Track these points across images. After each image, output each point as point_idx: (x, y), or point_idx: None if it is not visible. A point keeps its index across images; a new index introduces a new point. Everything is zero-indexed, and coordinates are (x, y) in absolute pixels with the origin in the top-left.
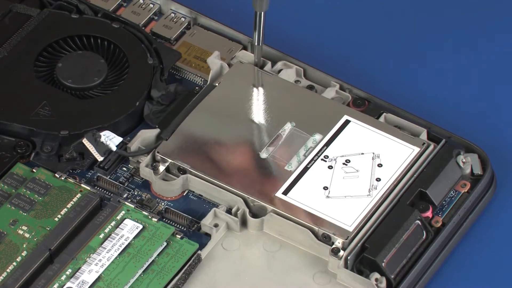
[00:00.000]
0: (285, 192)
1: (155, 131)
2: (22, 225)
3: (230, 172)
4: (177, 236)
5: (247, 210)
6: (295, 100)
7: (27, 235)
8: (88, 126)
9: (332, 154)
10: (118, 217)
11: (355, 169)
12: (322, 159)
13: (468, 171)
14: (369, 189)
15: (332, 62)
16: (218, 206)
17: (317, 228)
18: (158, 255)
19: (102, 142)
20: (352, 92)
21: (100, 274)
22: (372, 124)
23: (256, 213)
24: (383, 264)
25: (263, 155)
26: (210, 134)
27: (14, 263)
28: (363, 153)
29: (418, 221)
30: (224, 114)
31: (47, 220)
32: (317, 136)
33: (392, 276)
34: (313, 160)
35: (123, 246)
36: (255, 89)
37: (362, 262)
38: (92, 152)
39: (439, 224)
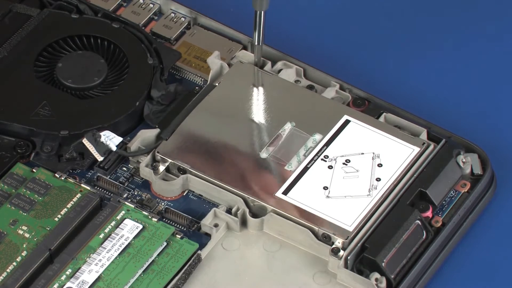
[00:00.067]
0: (285, 192)
1: (155, 131)
2: (22, 225)
3: (230, 172)
4: (177, 236)
5: (247, 210)
6: (295, 100)
7: (27, 235)
8: (88, 126)
9: (332, 154)
10: (118, 217)
11: (355, 169)
12: (322, 159)
13: (468, 171)
14: (369, 189)
15: (332, 62)
16: (218, 206)
17: (317, 228)
18: (158, 255)
19: (102, 142)
20: (352, 92)
21: (100, 274)
22: (372, 124)
23: (256, 213)
24: (383, 264)
25: (263, 155)
26: (210, 134)
27: (14, 263)
28: (363, 153)
29: (418, 221)
30: (224, 114)
31: (47, 220)
32: (317, 136)
33: (392, 276)
34: (313, 160)
35: (123, 246)
36: (255, 89)
37: (362, 262)
38: (92, 152)
39: (439, 224)
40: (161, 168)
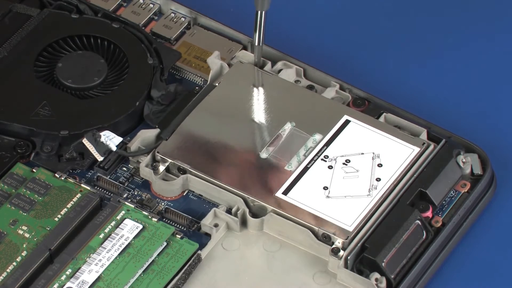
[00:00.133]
0: (285, 192)
1: (155, 131)
2: (22, 225)
3: (230, 172)
4: (177, 236)
5: (247, 210)
6: (295, 100)
7: (27, 235)
8: (88, 126)
9: (332, 154)
10: (118, 217)
11: (355, 169)
12: (322, 159)
13: (468, 171)
14: (369, 189)
15: (332, 62)
16: (218, 206)
17: (317, 228)
18: (158, 255)
19: (102, 142)
20: (352, 92)
21: (100, 274)
22: (372, 124)
23: (256, 213)
24: (383, 264)
25: (263, 155)
26: (210, 134)
27: (14, 263)
28: (363, 153)
29: (418, 221)
30: (224, 114)
31: (47, 220)
32: (317, 136)
33: (392, 276)
34: (313, 160)
35: (123, 246)
36: (255, 89)
37: (362, 262)
38: (92, 152)
39: (439, 224)
40: (161, 168)
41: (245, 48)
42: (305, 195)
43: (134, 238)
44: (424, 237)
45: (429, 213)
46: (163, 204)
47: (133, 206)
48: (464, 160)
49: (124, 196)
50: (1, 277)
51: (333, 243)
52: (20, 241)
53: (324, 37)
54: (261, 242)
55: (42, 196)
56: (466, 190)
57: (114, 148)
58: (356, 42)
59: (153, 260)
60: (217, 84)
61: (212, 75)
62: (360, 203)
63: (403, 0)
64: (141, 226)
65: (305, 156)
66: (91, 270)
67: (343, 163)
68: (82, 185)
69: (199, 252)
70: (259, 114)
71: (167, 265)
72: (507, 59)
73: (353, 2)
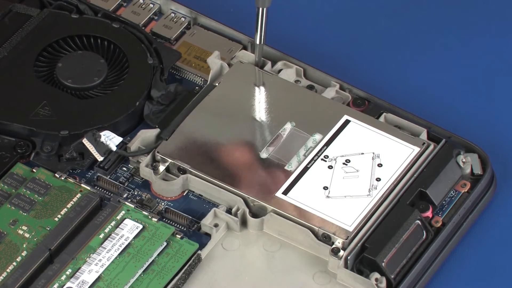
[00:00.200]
0: (285, 192)
1: (155, 131)
2: (22, 225)
3: (230, 172)
4: (177, 236)
5: (247, 210)
6: (295, 100)
7: (27, 235)
8: (88, 126)
9: (332, 154)
10: (118, 217)
11: (355, 169)
12: (322, 159)
13: (468, 171)
14: (369, 189)
15: (332, 62)
16: (218, 206)
17: (317, 228)
18: (158, 255)
19: (102, 142)
20: (352, 92)
21: (100, 274)
22: (372, 124)
23: (256, 213)
24: (383, 264)
25: (263, 155)
26: (210, 134)
27: (14, 263)
28: (363, 153)
29: (418, 221)
30: (224, 114)
31: (47, 220)
32: (317, 136)
33: (392, 276)
34: (313, 160)
35: (123, 246)
36: (255, 89)
37: (362, 262)
38: (92, 152)
39: (439, 224)
40: (161, 168)
41: (245, 48)
42: (305, 195)
43: (134, 238)
44: (424, 237)
45: (429, 213)
46: (163, 204)
47: (133, 206)
48: (464, 160)
49: (124, 196)
50: (1, 277)
51: (333, 243)
52: (20, 241)
53: (324, 37)
54: (261, 242)
55: (42, 196)
56: (466, 190)
57: (114, 148)
58: (356, 42)
59: (153, 260)
60: (217, 84)
61: (212, 75)
62: (360, 203)
63: (403, 0)
64: (141, 226)
65: (305, 156)
66: (91, 270)
67: (343, 163)
68: (82, 185)
69: (199, 252)
70: (259, 114)
71: (167, 265)
72: (507, 59)
73: (353, 2)
